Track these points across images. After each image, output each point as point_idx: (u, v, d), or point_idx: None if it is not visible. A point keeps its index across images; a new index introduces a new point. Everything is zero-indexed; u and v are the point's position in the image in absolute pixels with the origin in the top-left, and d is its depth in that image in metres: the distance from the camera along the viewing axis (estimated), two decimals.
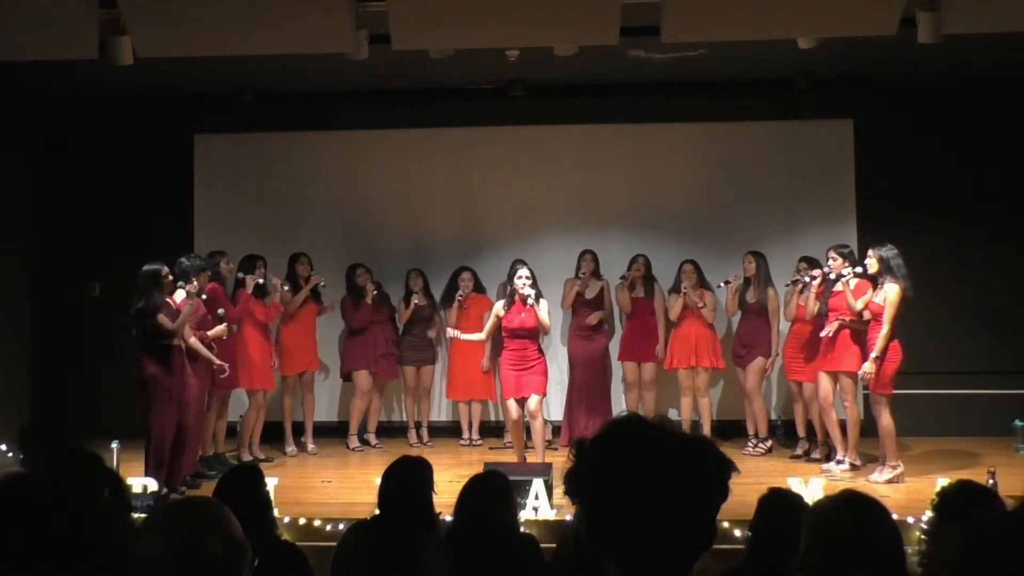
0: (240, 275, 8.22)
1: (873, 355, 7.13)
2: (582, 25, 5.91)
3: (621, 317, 9.07)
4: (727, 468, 1.50)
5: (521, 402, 7.47)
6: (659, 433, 1.50)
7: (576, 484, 1.51)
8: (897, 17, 5.78)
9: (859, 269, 7.46)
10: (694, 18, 5.83)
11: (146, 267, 7.03)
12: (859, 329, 7.50)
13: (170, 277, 7.11)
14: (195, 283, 7.27)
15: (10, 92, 8.90)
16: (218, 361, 7.45)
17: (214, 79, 8.79)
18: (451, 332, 7.77)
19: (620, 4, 5.77)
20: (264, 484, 3.79)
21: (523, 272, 7.47)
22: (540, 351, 7.56)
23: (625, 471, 1.44)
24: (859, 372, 7.29)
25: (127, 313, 7.00)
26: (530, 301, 7.34)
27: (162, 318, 6.89)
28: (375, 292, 8.85)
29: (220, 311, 7.72)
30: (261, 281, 8.24)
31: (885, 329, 7.13)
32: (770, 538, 3.26)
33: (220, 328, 7.67)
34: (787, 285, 8.31)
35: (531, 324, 7.37)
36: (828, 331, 7.57)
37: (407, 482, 3.74)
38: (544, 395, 7.64)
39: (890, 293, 7.17)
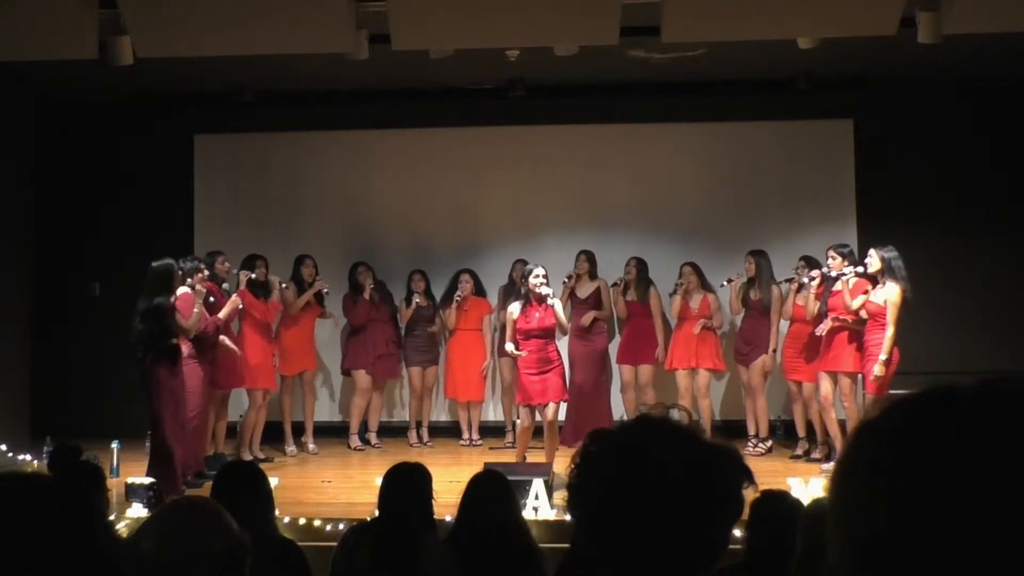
0: (233, 272, 8.13)
1: (881, 357, 7.13)
2: (582, 25, 5.92)
3: (618, 319, 9.06)
4: (742, 479, 1.39)
5: (532, 408, 7.30)
6: (669, 441, 1.40)
7: (578, 496, 1.43)
8: (897, 17, 5.79)
9: (860, 268, 7.49)
10: (694, 18, 5.84)
11: (158, 264, 7.01)
12: (856, 329, 7.53)
13: (180, 273, 7.12)
14: (197, 284, 7.27)
15: (10, 92, 8.89)
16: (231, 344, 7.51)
17: (214, 79, 8.79)
18: (509, 348, 7.29)
19: (620, 4, 5.78)
20: (263, 481, 3.69)
21: (538, 271, 7.21)
22: (558, 352, 7.40)
23: (630, 484, 1.36)
24: (867, 373, 7.29)
25: (128, 312, 6.99)
26: (550, 300, 7.18)
27: (179, 317, 6.89)
28: (372, 286, 8.83)
29: (233, 272, 7.85)
30: (253, 275, 8.15)
31: (891, 331, 7.13)
32: (765, 540, 3.26)
33: (235, 299, 7.71)
34: (781, 283, 8.34)
35: (549, 324, 7.18)
36: (822, 329, 7.61)
37: (405, 489, 3.75)
38: (565, 400, 7.49)
39: (891, 294, 7.19)
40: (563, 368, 7.45)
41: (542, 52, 7.24)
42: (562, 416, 8.81)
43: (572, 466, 1.44)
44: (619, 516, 1.37)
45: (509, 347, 7.31)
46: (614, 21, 5.84)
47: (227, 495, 3.39)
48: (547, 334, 7.21)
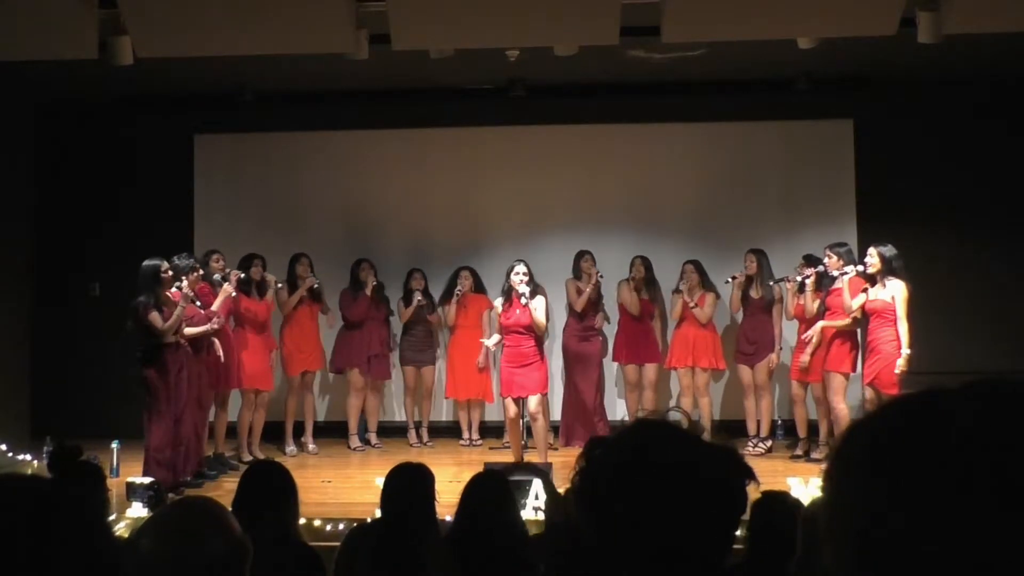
0: (225, 272, 7.98)
1: (906, 351, 7.17)
2: (582, 25, 5.91)
3: (624, 318, 9.02)
4: (745, 478, 1.42)
5: (518, 401, 7.46)
6: (673, 441, 1.42)
7: (584, 496, 1.44)
8: (897, 17, 5.79)
9: (860, 267, 7.51)
10: (694, 18, 5.84)
11: (146, 263, 7.04)
12: (851, 331, 7.57)
13: (170, 273, 7.11)
14: (185, 283, 7.26)
15: (10, 92, 8.90)
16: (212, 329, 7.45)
17: (214, 79, 8.79)
18: (488, 342, 7.78)
19: (620, 4, 5.77)
20: (290, 484, 3.55)
21: (520, 268, 7.44)
22: (539, 348, 7.52)
23: (635, 485, 1.37)
24: (870, 372, 7.30)
25: (127, 308, 7.02)
26: (524, 300, 7.32)
27: (153, 317, 6.87)
28: (375, 284, 8.84)
29: (216, 276, 7.79)
30: (243, 275, 8.08)
31: (906, 325, 7.20)
32: (765, 540, 3.27)
33: (227, 287, 7.69)
34: (774, 283, 8.35)
35: (526, 321, 7.36)
36: (810, 335, 7.65)
37: (407, 490, 3.74)
38: (544, 393, 7.61)
39: (899, 289, 7.25)
40: (543, 363, 7.57)
41: (542, 52, 7.24)
42: (557, 415, 8.88)
43: (576, 470, 1.45)
44: (623, 519, 1.38)
45: (491, 341, 7.58)
46: (614, 21, 5.83)
47: (253, 497, 3.37)
48: (526, 330, 7.39)
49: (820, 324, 7.65)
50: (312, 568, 3.36)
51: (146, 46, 6.06)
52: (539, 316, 7.39)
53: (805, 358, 7.86)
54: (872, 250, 7.46)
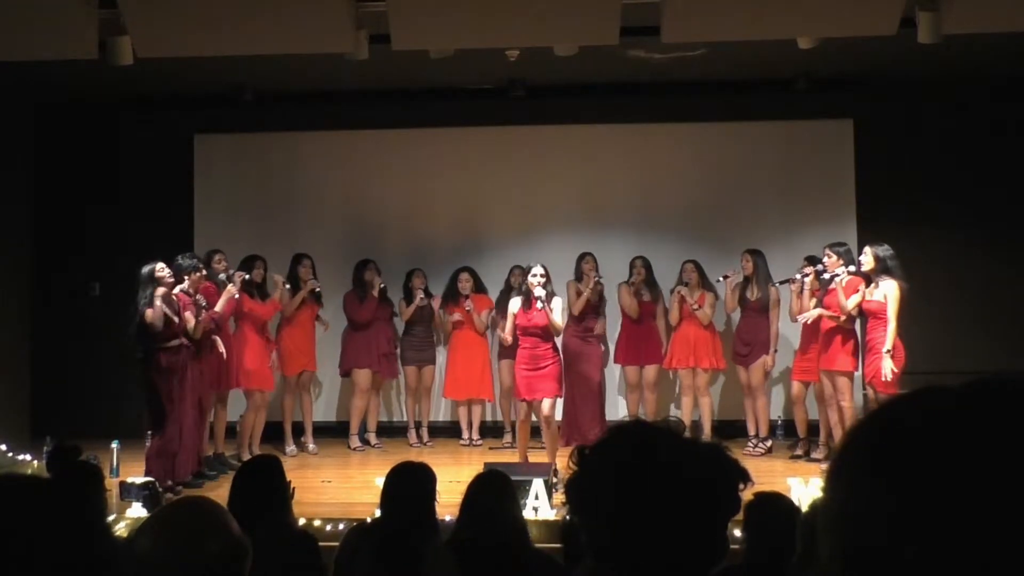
0: (229, 272, 7.98)
1: (885, 349, 7.14)
2: (582, 25, 5.92)
3: (626, 319, 9.01)
4: (737, 479, 1.42)
5: (530, 403, 7.40)
6: (666, 442, 1.43)
7: (577, 494, 1.45)
8: (897, 17, 5.79)
9: (852, 268, 7.52)
10: (694, 18, 5.84)
11: (144, 268, 7.04)
12: (849, 328, 7.57)
13: (166, 273, 7.10)
14: (187, 282, 7.26)
15: (10, 92, 8.90)
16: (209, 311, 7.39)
17: (214, 79, 8.79)
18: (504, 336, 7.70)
19: (620, 4, 5.78)
20: (281, 475, 3.74)
21: (537, 270, 7.34)
22: (555, 351, 7.45)
23: (629, 484, 1.37)
24: (870, 372, 7.29)
25: (127, 313, 7.02)
26: (541, 303, 7.26)
27: (150, 314, 6.84)
28: (383, 286, 8.86)
29: (220, 276, 7.80)
30: (247, 277, 8.07)
31: (892, 325, 7.17)
32: (763, 542, 3.27)
33: (231, 288, 7.67)
34: (777, 284, 8.34)
35: (542, 323, 7.26)
36: (807, 317, 7.64)
37: (409, 490, 3.75)
38: (558, 397, 7.55)
39: (891, 289, 7.23)
40: (558, 367, 7.48)
41: (542, 52, 7.24)
42: (560, 417, 8.85)
43: (569, 470, 1.46)
44: (617, 519, 1.38)
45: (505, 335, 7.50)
46: (614, 21, 5.83)
47: (247, 489, 3.44)
48: (542, 332, 7.31)
49: (818, 310, 7.65)
50: (310, 553, 3.42)
51: (146, 46, 6.06)
52: (556, 318, 7.33)
53: (807, 315, 7.78)
54: (867, 249, 7.47)
